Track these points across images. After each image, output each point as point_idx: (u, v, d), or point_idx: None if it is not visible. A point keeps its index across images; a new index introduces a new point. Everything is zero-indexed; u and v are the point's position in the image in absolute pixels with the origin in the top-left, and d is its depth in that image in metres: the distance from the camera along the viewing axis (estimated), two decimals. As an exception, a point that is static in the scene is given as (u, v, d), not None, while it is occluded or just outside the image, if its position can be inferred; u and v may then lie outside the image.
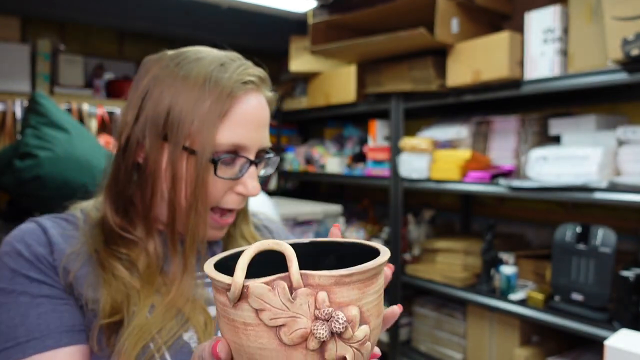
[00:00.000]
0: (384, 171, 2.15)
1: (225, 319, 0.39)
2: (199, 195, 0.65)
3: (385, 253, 0.41)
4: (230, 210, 0.70)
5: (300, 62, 2.53)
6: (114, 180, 0.69)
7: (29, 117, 1.50)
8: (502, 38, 1.63)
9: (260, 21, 2.76)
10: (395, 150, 2.06)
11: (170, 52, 0.71)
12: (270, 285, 0.36)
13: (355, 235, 2.43)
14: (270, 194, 2.70)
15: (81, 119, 2.07)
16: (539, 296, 1.62)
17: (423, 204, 2.53)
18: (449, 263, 2.05)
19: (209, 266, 0.40)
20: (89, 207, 0.72)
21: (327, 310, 0.36)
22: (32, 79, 2.33)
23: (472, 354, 1.93)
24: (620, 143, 1.49)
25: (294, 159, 2.80)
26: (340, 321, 0.36)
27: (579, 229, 1.52)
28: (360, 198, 2.95)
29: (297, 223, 2.19)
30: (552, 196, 1.52)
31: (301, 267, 0.37)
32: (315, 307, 0.36)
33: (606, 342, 0.69)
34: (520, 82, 1.63)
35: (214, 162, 0.65)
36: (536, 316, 1.59)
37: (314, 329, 0.35)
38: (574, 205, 1.97)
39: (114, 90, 2.56)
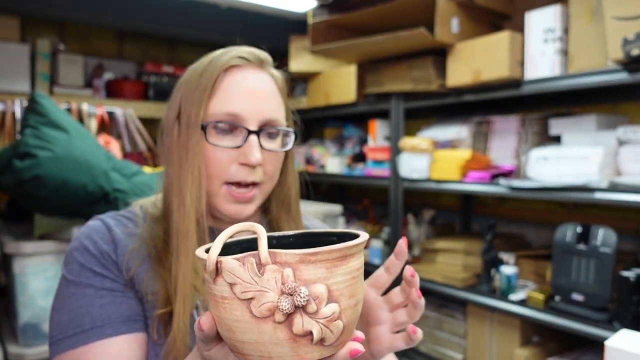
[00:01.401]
0: (384, 171, 2.15)
1: (210, 295, 0.43)
2: (199, 166, 0.69)
3: (362, 237, 0.44)
4: (246, 186, 0.72)
5: (300, 62, 2.53)
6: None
7: (29, 117, 1.50)
8: (502, 38, 1.63)
9: (260, 21, 2.75)
10: (395, 150, 2.06)
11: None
12: (240, 261, 0.40)
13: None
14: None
15: (81, 119, 2.07)
16: (540, 296, 1.62)
17: (423, 204, 2.53)
18: (449, 263, 2.05)
19: (200, 250, 0.44)
20: (148, 204, 0.77)
21: (291, 285, 0.39)
22: (31, 79, 2.33)
23: (473, 355, 1.93)
24: (621, 143, 1.49)
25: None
26: (302, 295, 0.39)
27: (579, 229, 1.52)
28: (360, 198, 2.95)
29: (297, 223, 2.18)
30: (553, 196, 1.52)
31: None
32: (282, 283, 0.39)
33: (606, 343, 0.69)
34: (520, 82, 1.63)
35: (203, 129, 0.70)
36: (536, 316, 1.59)
37: (278, 302, 0.38)
38: (574, 205, 1.97)
39: (114, 90, 2.56)
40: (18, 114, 1.93)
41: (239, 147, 0.70)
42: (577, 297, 1.50)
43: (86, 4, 2.38)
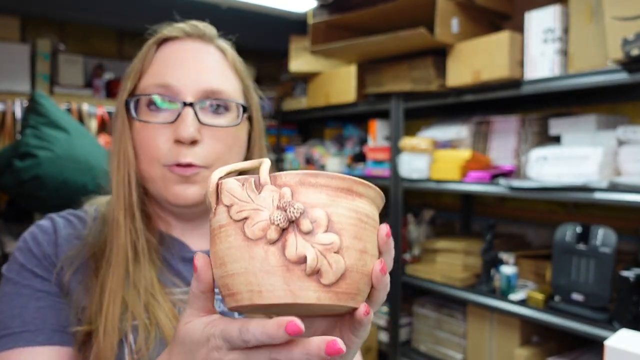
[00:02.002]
0: (384, 171, 2.15)
1: (210, 234, 0.40)
2: (126, 148, 0.63)
3: (374, 187, 0.42)
4: (187, 165, 0.62)
5: (300, 62, 2.53)
6: None
7: (29, 117, 1.50)
8: (502, 38, 1.63)
9: (260, 21, 2.75)
10: (395, 150, 2.06)
11: None
12: (241, 181, 0.38)
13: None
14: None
15: (81, 119, 2.07)
16: (539, 296, 1.62)
17: (423, 204, 2.53)
18: (449, 263, 2.05)
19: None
20: (103, 202, 0.70)
21: (287, 200, 0.37)
22: (31, 79, 2.33)
23: (472, 354, 1.93)
24: (621, 143, 1.49)
25: (294, 159, 2.80)
26: (296, 207, 0.36)
27: (579, 229, 1.52)
28: (360, 198, 2.95)
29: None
30: (552, 196, 1.52)
31: None
32: (279, 201, 0.37)
33: (606, 342, 0.69)
34: (520, 82, 1.63)
35: (128, 105, 0.63)
36: (536, 316, 1.59)
37: (271, 215, 0.36)
38: (574, 205, 1.97)
39: (114, 90, 2.56)
40: (18, 114, 1.93)
41: (172, 122, 0.61)
42: (576, 297, 1.50)
43: (86, 4, 2.38)
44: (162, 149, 0.62)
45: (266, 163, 0.39)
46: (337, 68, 2.38)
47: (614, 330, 1.36)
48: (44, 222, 0.65)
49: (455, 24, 1.77)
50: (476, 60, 1.71)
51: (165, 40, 0.66)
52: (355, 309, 0.39)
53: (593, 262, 1.46)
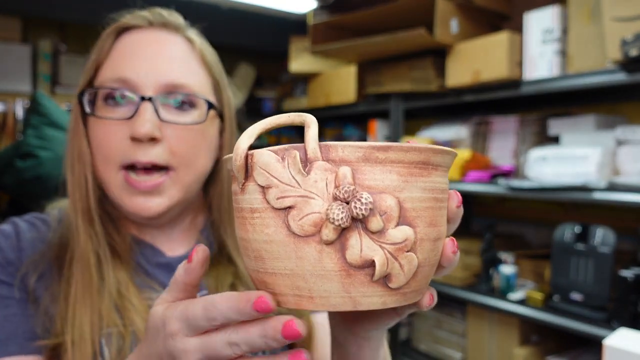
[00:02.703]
0: (383, 171, 2.16)
1: (236, 212, 0.32)
2: (80, 146, 0.57)
3: (451, 152, 0.33)
4: (145, 170, 0.56)
5: (300, 62, 2.53)
6: None
7: (30, 117, 1.50)
8: (501, 38, 1.64)
9: (260, 21, 2.76)
10: (395, 151, 2.06)
11: None
12: (279, 154, 0.29)
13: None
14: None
15: (82, 119, 2.08)
16: (538, 296, 1.63)
17: (423, 204, 2.53)
18: (448, 263, 2.05)
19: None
20: (65, 205, 0.64)
21: (348, 188, 0.27)
22: (33, 79, 2.34)
23: (472, 354, 1.93)
24: (619, 143, 1.50)
25: (294, 159, 2.80)
26: (364, 201, 0.27)
27: (578, 229, 1.52)
28: (360, 198, 2.95)
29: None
30: (552, 196, 1.52)
31: None
32: (335, 186, 0.28)
33: (605, 342, 0.70)
34: (519, 82, 1.63)
35: (81, 99, 0.57)
36: (535, 316, 1.60)
37: (328, 211, 0.27)
38: (573, 205, 1.97)
39: (115, 91, 2.57)
40: (19, 114, 1.94)
41: (129, 118, 0.55)
42: (575, 296, 1.51)
43: (87, 5, 2.38)
44: (118, 148, 0.55)
45: (313, 124, 0.30)
46: (337, 68, 2.39)
47: (613, 329, 1.36)
48: (6, 227, 0.60)
49: (454, 25, 1.78)
50: (475, 61, 1.71)
51: (125, 29, 0.60)
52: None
53: (592, 262, 1.46)
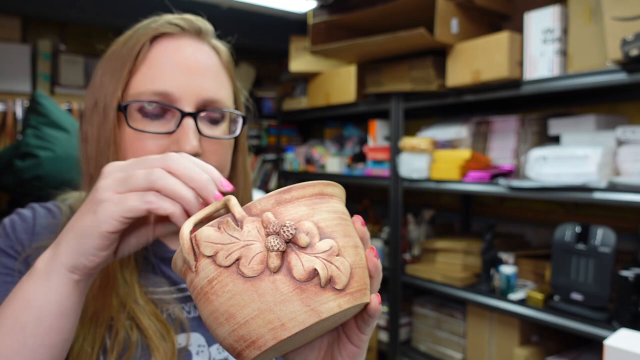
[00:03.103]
0: (384, 171, 2.16)
1: (196, 294, 0.37)
2: (114, 159, 0.56)
3: (338, 185, 0.42)
4: None
5: (300, 62, 2.53)
6: None
7: (30, 117, 1.50)
8: (501, 38, 1.63)
9: (260, 22, 2.76)
10: (395, 150, 2.06)
11: None
12: (215, 226, 0.36)
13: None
14: (270, 194, 2.70)
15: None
16: (539, 296, 1.63)
17: (423, 204, 2.53)
18: (448, 263, 2.05)
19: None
20: (76, 199, 0.66)
21: (275, 223, 0.35)
22: (32, 79, 2.34)
23: (472, 354, 1.93)
24: (620, 143, 1.50)
25: (294, 159, 2.81)
26: (288, 225, 0.35)
27: (578, 229, 1.52)
28: (360, 198, 2.96)
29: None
30: (552, 196, 1.52)
31: None
32: (264, 227, 0.35)
33: (605, 342, 0.69)
34: (519, 82, 1.63)
35: (121, 111, 0.57)
36: (536, 316, 1.60)
37: (267, 244, 0.34)
38: (573, 205, 1.97)
39: (114, 91, 2.56)
40: (19, 114, 1.93)
41: (171, 132, 0.57)
42: (576, 296, 1.50)
43: (87, 4, 2.38)
44: None
45: (233, 199, 0.37)
46: (337, 68, 2.39)
47: (613, 329, 1.36)
48: (25, 211, 0.62)
49: (454, 25, 1.78)
50: (476, 61, 1.71)
51: (158, 36, 0.60)
52: (367, 305, 0.40)
53: (592, 262, 1.46)
